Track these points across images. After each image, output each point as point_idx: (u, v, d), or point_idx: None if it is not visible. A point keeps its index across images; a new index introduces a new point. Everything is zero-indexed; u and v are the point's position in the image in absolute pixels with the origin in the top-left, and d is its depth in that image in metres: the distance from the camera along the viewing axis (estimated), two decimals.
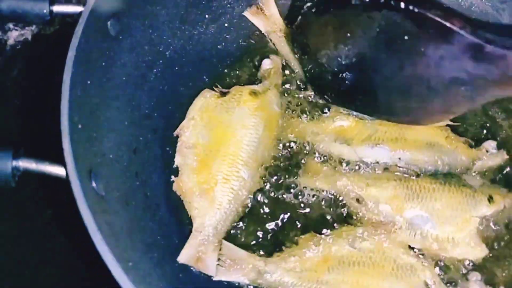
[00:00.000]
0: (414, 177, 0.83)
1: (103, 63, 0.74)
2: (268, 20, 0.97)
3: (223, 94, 0.90)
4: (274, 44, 0.97)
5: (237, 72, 0.97)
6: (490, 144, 0.86)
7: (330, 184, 0.84)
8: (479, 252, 0.78)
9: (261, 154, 0.86)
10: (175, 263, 0.75)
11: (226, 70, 0.97)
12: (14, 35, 0.79)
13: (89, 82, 0.69)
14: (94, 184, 0.62)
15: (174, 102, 0.89)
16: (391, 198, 0.81)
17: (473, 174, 0.84)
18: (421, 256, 0.78)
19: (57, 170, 0.59)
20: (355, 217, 0.82)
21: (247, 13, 0.97)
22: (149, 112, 0.85)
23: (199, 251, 0.77)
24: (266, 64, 0.95)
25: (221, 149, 0.84)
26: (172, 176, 0.84)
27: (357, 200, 0.83)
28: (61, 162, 0.59)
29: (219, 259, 0.78)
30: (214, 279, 0.77)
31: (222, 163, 0.83)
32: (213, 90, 0.91)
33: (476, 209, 0.79)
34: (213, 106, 0.89)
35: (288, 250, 0.80)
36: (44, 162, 0.60)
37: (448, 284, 0.76)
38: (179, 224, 0.81)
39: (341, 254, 0.77)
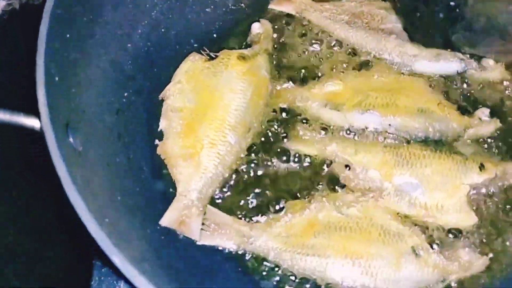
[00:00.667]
0: (404, 144, 0.82)
1: (84, 19, 0.72)
2: (295, 2, 0.96)
3: (211, 58, 0.88)
4: (309, 21, 0.95)
5: (226, 36, 0.95)
6: (483, 112, 0.84)
7: (319, 149, 0.82)
8: (468, 219, 0.77)
9: (249, 120, 0.84)
10: (158, 225, 0.73)
11: (215, 35, 0.95)
12: (1, 4, 0.76)
13: (68, 36, 0.67)
14: (71, 139, 0.60)
15: (160, 64, 0.87)
16: (380, 164, 0.79)
17: (465, 141, 0.83)
18: (408, 222, 0.76)
19: (32, 122, 0.56)
20: (343, 184, 0.80)
21: (272, 5, 0.96)
22: (133, 74, 0.83)
23: (183, 215, 0.76)
24: (256, 28, 0.93)
25: (208, 113, 0.82)
26: (157, 140, 0.81)
27: (346, 166, 0.81)
28: (37, 114, 0.57)
29: (203, 224, 0.76)
30: (198, 243, 0.75)
31: (209, 127, 0.81)
32: (201, 53, 0.88)
33: (467, 177, 0.78)
34: (200, 69, 0.87)
35: (274, 216, 0.78)
36: (18, 113, 0.57)
37: (434, 250, 0.74)
38: (163, 188, 0.79)
39: (327, 220, 0.76)
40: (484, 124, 0.84)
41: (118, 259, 0.47)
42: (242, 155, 0.83)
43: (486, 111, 0.84)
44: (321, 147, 0.82)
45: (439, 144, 0.82)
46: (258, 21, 0.94)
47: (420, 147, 0.80)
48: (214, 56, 0.88)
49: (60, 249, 0.78)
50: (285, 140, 0.84)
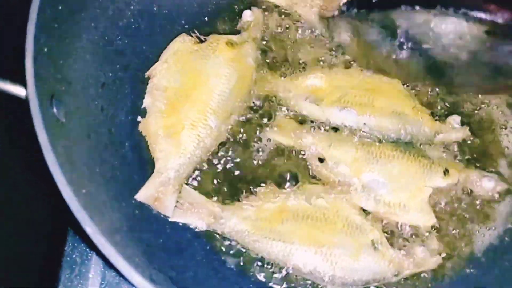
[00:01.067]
0: (376, 143, 0.85)
1: None
2: None
3: (200, 41, 0.90)
4: (299, 15, 0.96)
5: (217, 20, 0.96)
6: (455, 119, 0.88)
7: (295, 141, 0.86)
8: (427, 220, 0.81)
9: (231, 105, 0.86)
10: (133, 200, 0.76)
11: (206, 18, 0.96)
12: None
13: (60, 7, 0.68)
14: (55, 110, 0.62)
15: (149, 42, 0.88)
16: (352, 160, 0.83)
17: (434, 146, 0.86)
18: (372, 218, 0.80)
19: (17, 90, 0.58)
20: (314, 175, 0.84)
21: None
22: (122, 49, 0.84)
23: (158, 192, 0.78)
24: (247, 15, 0.94)
25: (192, 95, 0.84)
26: (139, 117, 0.83)
27: (319, 159, 0.84)
28: (23, 83, 0.58)
29: (177, 202, 0.79)
30: (170, 219, 0.78)
31: (191, 109, 0.83)
32: (190, 35, 0.90)
33: (431, 180, 0.82)
34: (189, 51, 0.88)
35: (245, 200, 0.81)
36: (5, 81, 0.59)
37: (392, 246, 0.79)
38: (141, 164, 0.82)
39: (296, 208, 0.80)
40: (454, 130, 0.87)
41: (90, 229, 0.50)
42: (222, 140, 0.86)
43: (457, 118, 0.88)
44: (297, 139, 0.86)
45: (409, 146, 0.85)
46: (250, 8, 0.95)
47: (391, 147, 0.84)
48: (203, 39, 0.90)
49: (35, 214, 0.80)
50: (263, 127, 0.87)
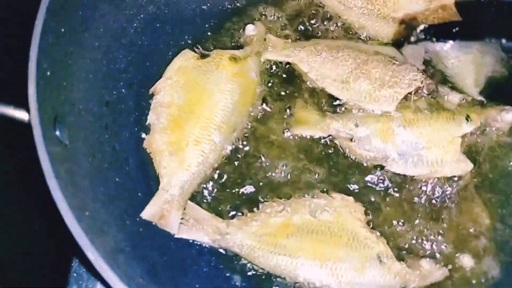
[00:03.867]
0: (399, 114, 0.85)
1: (80, 13, 0.73)
2: None
3: (203, 56, 0.90)
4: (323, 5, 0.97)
5: (220, 35, 0.97)
6: None
7: (322, 128, 0.87)
8: (465, 166, 0.83)
9: (235, 120, 0.86)
10: (137, 218, 0.76)
11: (209, 33, 0.97)
12: None
13: (63, 30, 0.68)
14: (58, 132, 0.62)
15: (153, 59, 0.89)
16: (381, 132, 0.84)
17: (451, 95, 0.88)
18: (376, 232, 0.80)
19: (20, 114, 0.59)
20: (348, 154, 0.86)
21: None
22: (126, 67, 0.84)
23: (163, 209, 0.79)
24: (250, 30, 0.94)
25: (196, 111, 0.84)
26: (143, 134, 0.84)
27: (351, 140, 0.86)
28: (26, 107, 0.59)
29: (182, 218, 0.80)
30: (176, 236, 0.78)
31: (195, 125, 0.83)
32: (194, 51, 0.90)
33: (457, 129, 0.84)
34: (192, 67, 0.89)
35: (250, 215, 0.81)
36: (8, 105, 0.59)
37: (400, 261, 0.78)
38: (146, 181, 0.82)
39: (301, 222, 0.80)
40: None
41: (92, 255, 0.51)
42: (226, 155, 0.86)
43: None
44: (323, 127, 0.87)
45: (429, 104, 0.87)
46: (253, 23, 0.95)
47: (412, 111, 0.85)
48: (206, 55, 0.90)
49: (42, 229, 0.81)
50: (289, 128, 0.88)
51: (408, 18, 0.94)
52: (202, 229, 0.80)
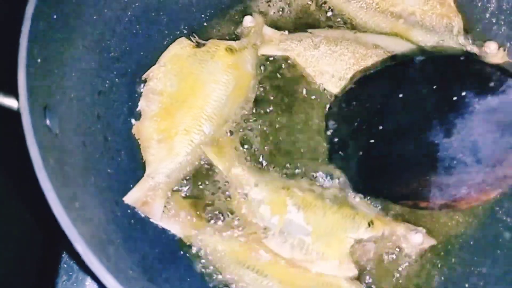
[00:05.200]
0: (300, 193, 0.80)
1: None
2: None
3: (199, 45, 0.89)
4: None
5: (217, 25, 0.95)
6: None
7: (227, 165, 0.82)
8: (346, 270, 0.76)
9: (227, 112, 0.85)
10: (128, 209, 0.76)
11: (205, 23, 0.95)
12: None
13: (55, 16, 0.67)
14: (48, 121, 0.61)
15: (147, 48, 0.87)
16: (275, 202, 0.79)
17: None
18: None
19: (9, 102, 0.58)
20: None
21: None
22: (119, 56, 0.83)
23: (147, 196, 0.77)
24: (248, 21, 0.93)
25: (188, 100, 0.83)
26: (133, 120, 0.83)
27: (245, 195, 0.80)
28: (15, 94, 0.58)
29: (165, 207, 0.78)
30: (160, 225, 0.77)
31: (186, 114, 0.82)
32: (190, 39, 0.89)
33: (353, 231, 0.77)
34: (187, 55, 0.87)
35: (228, 220, 0.79)
36: None
37: None
38: (138, 170, 0.81)
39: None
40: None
41: (80, 247, 0.50)
42: None
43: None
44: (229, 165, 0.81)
45: (335, 196, 0.80)
46: (251, 14, 0.94)
47: (315, 196, 0.79)
48: (202, 43, 0.89)
49: (30, 219, 0.80)
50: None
51: (407, 13, 0.93)
52: (181, 223, 0.78)
